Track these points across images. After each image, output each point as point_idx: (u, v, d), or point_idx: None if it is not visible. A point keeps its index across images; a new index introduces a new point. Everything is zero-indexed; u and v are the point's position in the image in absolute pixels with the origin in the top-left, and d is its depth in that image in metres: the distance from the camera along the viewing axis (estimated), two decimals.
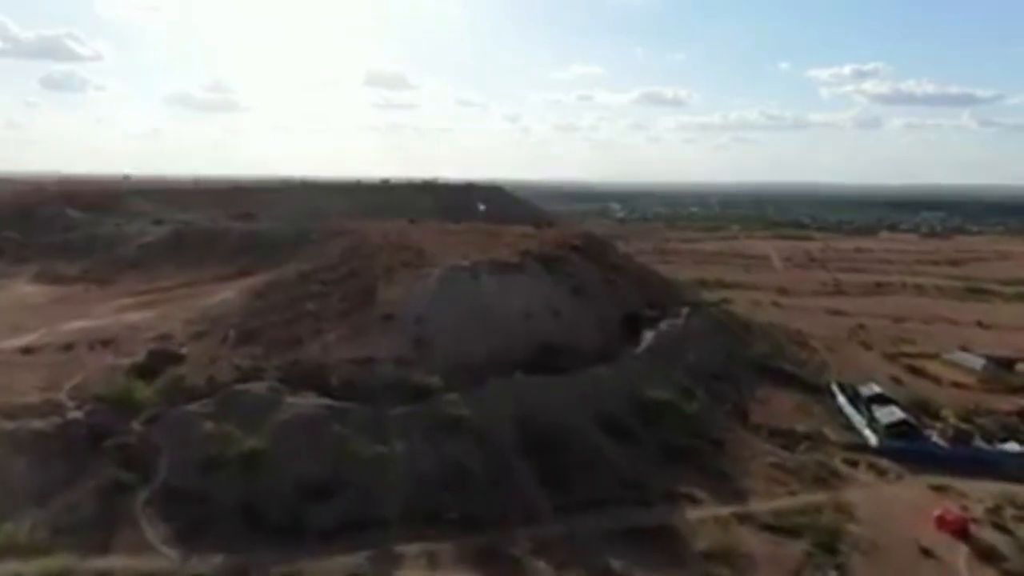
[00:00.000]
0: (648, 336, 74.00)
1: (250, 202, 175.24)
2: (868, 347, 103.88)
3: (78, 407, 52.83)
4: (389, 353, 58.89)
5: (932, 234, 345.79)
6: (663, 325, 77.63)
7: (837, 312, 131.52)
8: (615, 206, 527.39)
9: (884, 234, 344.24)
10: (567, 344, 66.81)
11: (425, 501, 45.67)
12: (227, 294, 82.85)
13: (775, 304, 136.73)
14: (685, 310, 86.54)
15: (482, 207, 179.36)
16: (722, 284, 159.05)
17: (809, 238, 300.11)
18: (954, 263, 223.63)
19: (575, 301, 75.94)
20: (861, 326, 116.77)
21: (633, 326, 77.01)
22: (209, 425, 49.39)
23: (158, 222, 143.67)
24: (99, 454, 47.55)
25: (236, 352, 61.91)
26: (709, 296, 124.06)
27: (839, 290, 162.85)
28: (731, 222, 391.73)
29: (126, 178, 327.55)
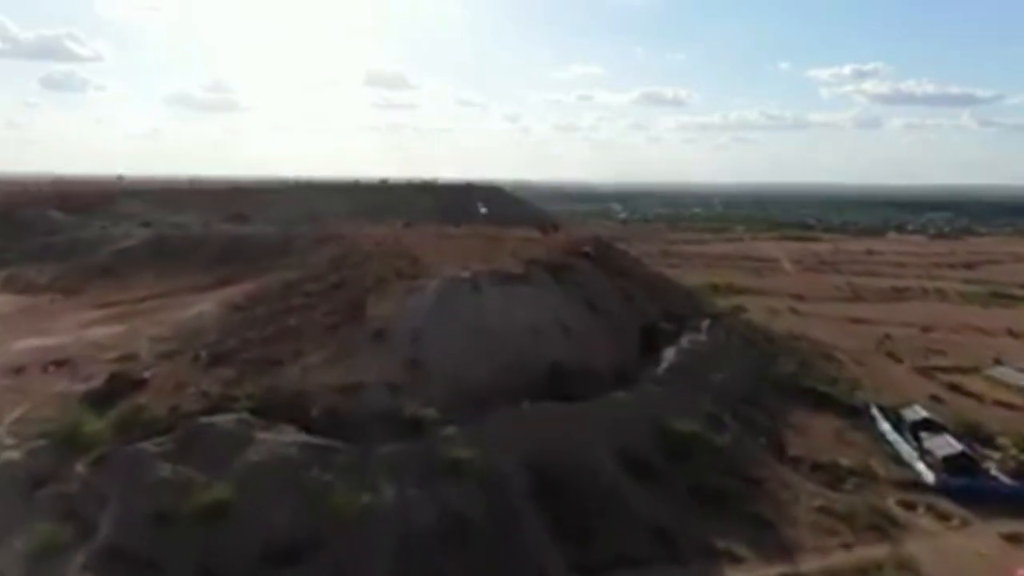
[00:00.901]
0: (668, 354, 66.63)
1: (246, 203, 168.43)
2: (898, 360, 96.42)
3: (18, 445, 45.90)
4: (379, 378, 51.62)
5: (940, 235, 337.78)
6: (684, 341, 70.31)
7: (859, 320, 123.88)
8: (617, 207, 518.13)
9: (892, 235, 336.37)
10: (579, 364, 59.55)
11: (419, 562, 38.44)
12: (204, 306, 75.56)
13: (793, 311, 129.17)
14: (706, 322, 79.35)
15: (484, 209, 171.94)
16: (733, 289, 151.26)
17: (816, 239, 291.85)
18: (969, 266, 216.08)
19: (587, 315, 68.64)
20: (888, 336, 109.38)
21: (650, 341, 69.81)
22: (166, 468, 42.22)
23: (146, 224, 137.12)
24: (35, 504, 40.60)
25: (206, 376, 54.70)
26: (722, 303, 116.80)
27: (857, 296, 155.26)
28: (735, 223, 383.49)
29: (119, 179, 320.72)
